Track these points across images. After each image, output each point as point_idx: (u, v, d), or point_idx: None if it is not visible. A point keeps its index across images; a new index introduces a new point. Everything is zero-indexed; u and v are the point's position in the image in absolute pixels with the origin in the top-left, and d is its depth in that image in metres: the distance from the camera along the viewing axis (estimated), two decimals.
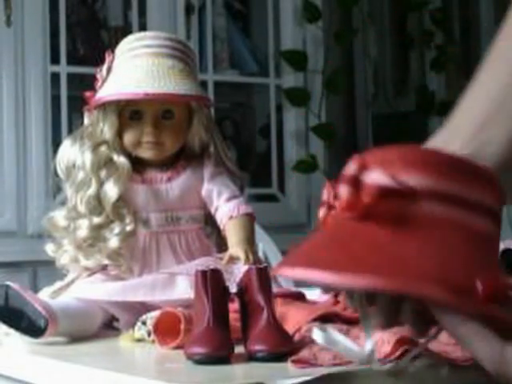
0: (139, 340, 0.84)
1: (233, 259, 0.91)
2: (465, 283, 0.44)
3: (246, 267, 0.82)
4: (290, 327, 0.77)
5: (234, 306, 0.78)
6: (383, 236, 0.46)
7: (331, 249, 0.46)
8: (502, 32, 0.54)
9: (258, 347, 0.71)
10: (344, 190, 0.48)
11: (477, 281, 0.44)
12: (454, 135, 0.52)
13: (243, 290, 0.76)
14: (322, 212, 0.50)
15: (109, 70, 0.97)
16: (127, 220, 0.93)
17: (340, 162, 0.56)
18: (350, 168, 0.48)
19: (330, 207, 0.50)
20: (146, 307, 0.89)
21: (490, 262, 0.47)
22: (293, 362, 0.68)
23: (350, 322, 0.77)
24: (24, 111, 1.87)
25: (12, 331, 0.85)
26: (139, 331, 0.84)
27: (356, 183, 0.48)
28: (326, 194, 0.51)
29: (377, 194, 0.47)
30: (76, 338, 0.87)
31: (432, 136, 0.55)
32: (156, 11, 2.06)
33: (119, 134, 0.96)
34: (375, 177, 0.47)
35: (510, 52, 0.52)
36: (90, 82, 0.99)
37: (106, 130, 0.95)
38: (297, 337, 0.76)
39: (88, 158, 0.94)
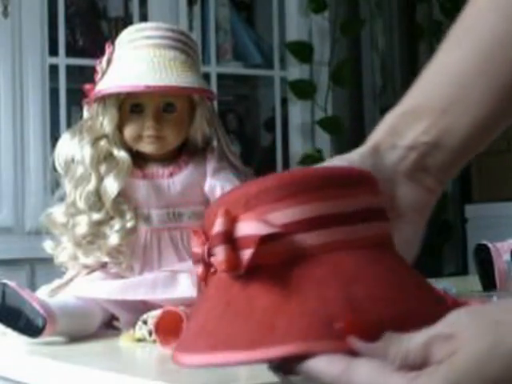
0: (140, 340, 0.83)
1: None
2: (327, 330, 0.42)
3: None
4: None
5: None
6: (263, 299, 0.44)
7: (228, 323, 0.44)
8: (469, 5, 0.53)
9: None
10: (220, 251, 0.44)
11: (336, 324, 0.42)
12: (416, 118, 0.52)
13: None
14: (200, 270, 0.48)
15: (109, 61, 0.95)
16: (128, 216, 0.91)
17: None
18: (220, 225, 0.44)
19: (207, 265, 0.47)
20: (147, 306, 0.87)
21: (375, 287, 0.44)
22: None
23: None
24: (21, 104, 1.86)
25: (9, 331, 0.84)
26: (140, 331, 0.83)
27: (231, 241, 0.44)
28: (198, 248, 0.47)
29: (255, 248, 0.43)
30: (75, 337, 0.85)
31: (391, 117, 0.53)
32: (157, 1, 2.04)
33: (119, 127, 0.94)
34: (247, 228, 0.44)
35: (475, 32, 0.52)
36: (89, 75, 0.97)
37: (106, 124, 0.93)
38: None
39: (87, 152, 0.92)
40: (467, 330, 0.40)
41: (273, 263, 0.44)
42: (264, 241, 0.44)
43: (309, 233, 0.44)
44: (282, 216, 0.44)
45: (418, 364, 0.41)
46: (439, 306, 0.46)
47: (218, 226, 0.44)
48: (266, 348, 0.43)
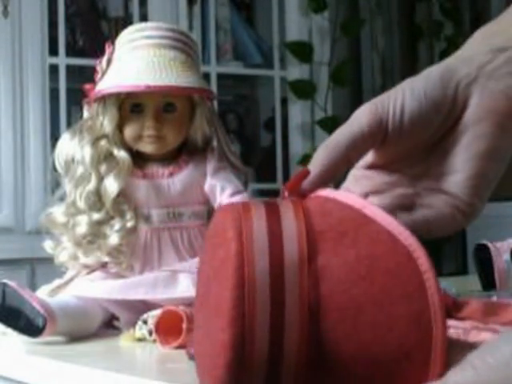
0: (140, 339, 0.83)
1: None
2: None
3: None
4: None
5: None
6: None
7: None
8: None
9: None
10: None
11: None
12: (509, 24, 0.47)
13: None
14: None
15: (109, 61, 0.95)
16: (128, 216, 0.91)
17: None
18: None
19: None
20: (147, 306, 0.87)
21: None
22: None
23: None
24: (22, 104, 1.86)
25: (9, 330, 0.84)
26: (140, 330, 0.83)
27: None
28: None
29: None
30: (75, 337, 0.85)
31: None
32: (157, 1, 2.04)
33: (119, 127, 0.94)
34: None
35: None
36: (89, 74, 0.97)
37: (106, 124, 0.93)
38: None
39: (87, 152, 0.92)
40: None
41: None
42: None
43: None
44: None
45: None
46: None
47: None
48: None
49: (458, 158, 0.46)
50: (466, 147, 0.46)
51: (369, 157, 0.49)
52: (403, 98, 0.46)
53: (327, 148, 0.46)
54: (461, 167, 0.46)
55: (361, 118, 0.46)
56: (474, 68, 0.46)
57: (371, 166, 0.49)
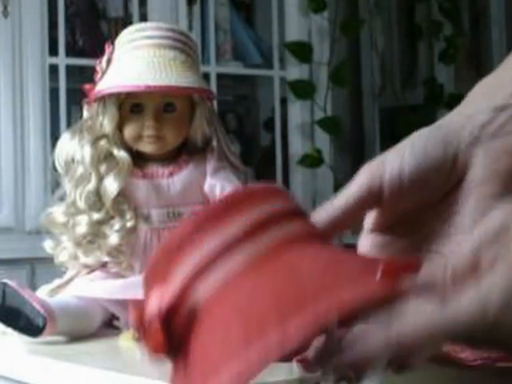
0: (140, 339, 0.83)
1: None
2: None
3: None
4: None
5: None
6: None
7: None
8: None
9: None
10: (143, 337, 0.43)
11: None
12: (498, 89, 0.46)
13: None
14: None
15: (109, 61, 0.95)
16: (128, 216, 0.91)
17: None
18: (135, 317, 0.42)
19: None
20: None
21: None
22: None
23: None
24: (22, 104, 1.86)
25: (9, 330, 0.84)
26: None
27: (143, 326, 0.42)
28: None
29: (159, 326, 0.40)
30: (75, 337, 0.85)
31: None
32: (157, 1, 2.04)
33: (119, 127, 0.94)
34: (152, 302, 0.41)
35: None
36: (89, 74, 0.98)
37: (106, 124, 0.93)
38: None
39: (87, 152, 0.92)
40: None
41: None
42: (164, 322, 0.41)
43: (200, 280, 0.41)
44: (184, 269, 0.41)
45: (467, 276, 0.37)
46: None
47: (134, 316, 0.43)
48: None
49: (467, 218, 0.46)
50: (475, 207, 0.45)
51: (372, 219, 0.49)
52: (403, 155, 0.46)
53: (327, 209, 0.46)
54: (472, 228, 0.45)
55: (360, 177, 0.46)
56: (477, 127, 0.46)
57: (375, 229, 0.48)
